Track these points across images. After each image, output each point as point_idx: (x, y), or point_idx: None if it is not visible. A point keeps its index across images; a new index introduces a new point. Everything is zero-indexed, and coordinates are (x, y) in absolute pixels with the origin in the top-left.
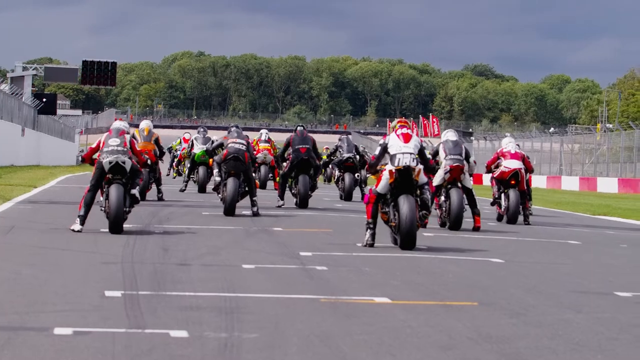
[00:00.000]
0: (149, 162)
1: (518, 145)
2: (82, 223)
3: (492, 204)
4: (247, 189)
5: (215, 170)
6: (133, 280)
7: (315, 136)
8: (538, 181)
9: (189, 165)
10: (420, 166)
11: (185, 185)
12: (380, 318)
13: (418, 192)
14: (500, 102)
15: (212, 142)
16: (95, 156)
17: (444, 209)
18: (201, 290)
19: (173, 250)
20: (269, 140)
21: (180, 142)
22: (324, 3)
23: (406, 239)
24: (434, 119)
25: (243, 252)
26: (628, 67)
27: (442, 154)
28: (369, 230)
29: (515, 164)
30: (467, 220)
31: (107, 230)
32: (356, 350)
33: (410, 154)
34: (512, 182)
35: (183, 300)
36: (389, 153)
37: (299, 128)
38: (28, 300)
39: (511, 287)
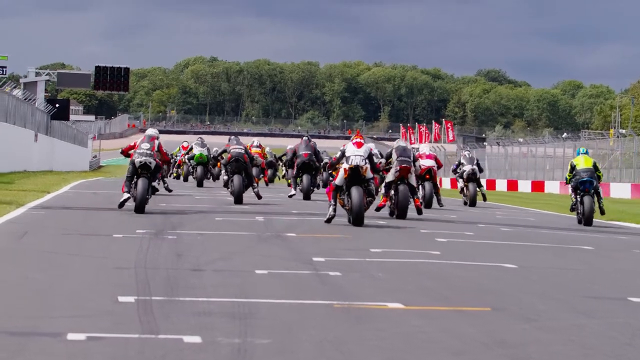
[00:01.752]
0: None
1: (433, 147)
2: (127, 200)
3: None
4: (247, 182)
5: (223, 171)
6: (146, 285)
7: (328, 142)
8: (551, 187)
9: (193, 164)
10: (368, 165)
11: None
12: (393, 323)
13: (365, 184)
14: (513, 108)
15: (216, 150)
16: (131, 151)
17: (393, 201)
18: (214, 296)
19: (186, 256)
20: (260, 146)
21: (180, 149)
22: (336, 8)
23: (356, 218)
24: (448, 125)
25: (256, 257)
26: None
27: (394, 156)
28: (330, 207)
29: (429, 163)
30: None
31: (133, 211)
32: (369, 356)
33: (361, 156)
34: (427, 176)
35: (196, 305)
36: (345, 156)
37: (304, 137)
38: (41, 305)
39: (524, 293)
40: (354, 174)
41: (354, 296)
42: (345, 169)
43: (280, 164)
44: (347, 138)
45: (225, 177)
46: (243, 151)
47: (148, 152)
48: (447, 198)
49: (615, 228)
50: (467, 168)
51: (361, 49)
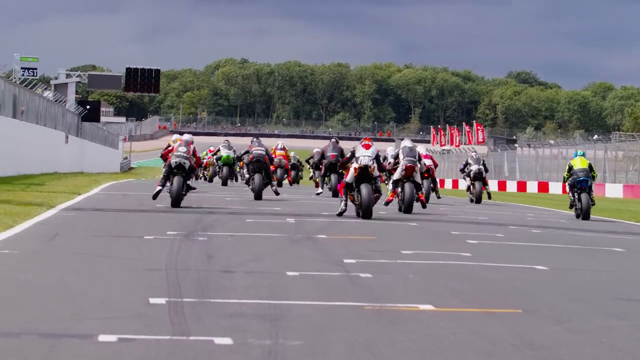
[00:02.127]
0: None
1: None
2: (159, 192)
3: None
4: (267, 180)
5: (245, 170)
6: (177, 287)
7: (359, 143)
8: None
9: (220, 164)
10: (375, 165)
11: (211, 179)
12: (424, 325)
13: (373, 182)
14: (544, 110)
15: (241, 151)
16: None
17: (399, 197)
18: (245, 298)
19: (217, 257)
20: (284, 149)
21: (207, 152)
22: (367, 10)
23: (365, 212)
24: (478, 127)
25: (287, 259)
26: None
27: (401, 156)
28: (342, 202)
29: (427, 162)
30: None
31: (169, 205)
32: (400, 358)
33: (369, 157)
34: (426, 175)
35: (227, 307)
36: (355, 157)
37: (332, 140)
38: (72, 307)
39: (555, 295)
40: (363, 172)
41: (384, 298)
42: (355, 168)
43: (308, 165)
44: (378, 140)
45: (247, 176)
46: (264, 152)
47: (184, 154)
48: (453, 197)
49: (609, 223)
50: (474, 168)
51: (392, 50)
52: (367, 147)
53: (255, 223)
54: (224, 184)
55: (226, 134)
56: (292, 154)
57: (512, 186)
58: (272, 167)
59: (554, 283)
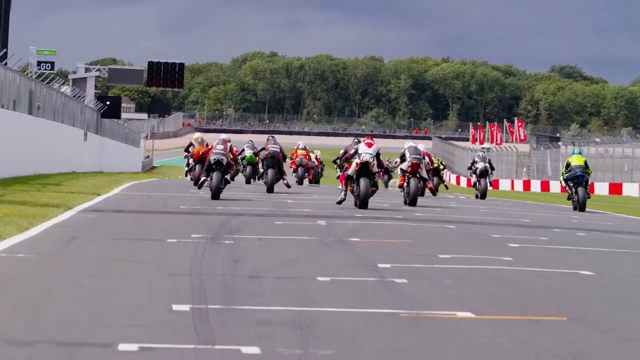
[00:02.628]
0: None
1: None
2: (204, 183)
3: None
4: (279, 175)
5: (260, 164)
6: (202, 293)
7: (394, 141)
8: (630, 189)
9: (244, 164)
10: (375, 162)
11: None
12: (463, 333)
13: (372, 177)
14: (589, 106)
15: (259, 149)
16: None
17: (405, 192)
18: (274, 304)
19: (244, 262)
20: (305, 149)
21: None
22: (402, 1)
23: (362, 202)
24: (520, 124)
25: (318, 263)
26: None
27: (407, 155)
28: (342, 192)
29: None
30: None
31: (210, 197)
32: None
33: (370, 154)
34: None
35: (255, 314)
36: (358, 153)
37: (354, 139)
38: (91, 313)
39: (602, 301)
40: (364, 167)
41: (421, 305)
42: (357, 163)
43: (335, 165)
44: (415, 137)
45: (261, 170)
46: (278, 149)
47: (222, 152)
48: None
49: (601, 214)
50: (480, 165)
51: (428, 44)
52: (370, 145)
53: (284, 225)
54: (248, 182)
55: (253, 132)
56: (317, 152)
57: (555, 186)
58: (293, 166)
59: (600, 289)
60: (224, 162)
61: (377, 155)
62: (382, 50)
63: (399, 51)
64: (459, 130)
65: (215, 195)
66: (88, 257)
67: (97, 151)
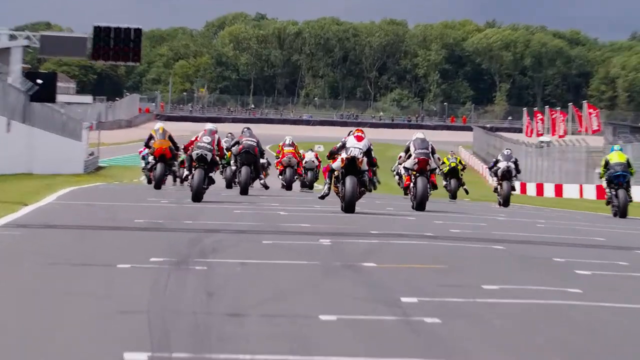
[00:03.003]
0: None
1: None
2: (187, 178)
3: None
4: (255, 174)
5: (232, 161)
6: (165, 336)
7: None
8: None
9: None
10: (364, 159)
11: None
12: None
13: (360, 175)
14: None
15: (232, 142)
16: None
17: (412, 194)
18: (261, 352)
19: (221, 295)
20: (292, 144)
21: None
22: None
23: (348, 206)
24: (591, 109)
25: (320, 297)
26: None
27: (412, 149)
28: (325, 186)
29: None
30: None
31: (190, 199)
32: None
33: (359, 149)
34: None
35: None
36: (345, 147)
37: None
38: None
39: None
40: (350, 164)
41: (459, 353)
42: (342, 158)
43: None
44: (449, 128)
45: (234, 167)
46: (255, 144)
47: (208, 145)
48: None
49: None
50: (502, 165)
51: (468, 3)
52: (360, 139)
53: (274, 246)
54: (229, 186)
55: (234, 120)
56: (318, 148)
57: (638, 192)
58: (279, 167)
59: None
60: (208, 158)
61: (368, 151)
62: (405, 12)
63: (428, 14)
64: (509, 118)
65: (197, 196)
66: (11, 289)
67: (24, 146)
